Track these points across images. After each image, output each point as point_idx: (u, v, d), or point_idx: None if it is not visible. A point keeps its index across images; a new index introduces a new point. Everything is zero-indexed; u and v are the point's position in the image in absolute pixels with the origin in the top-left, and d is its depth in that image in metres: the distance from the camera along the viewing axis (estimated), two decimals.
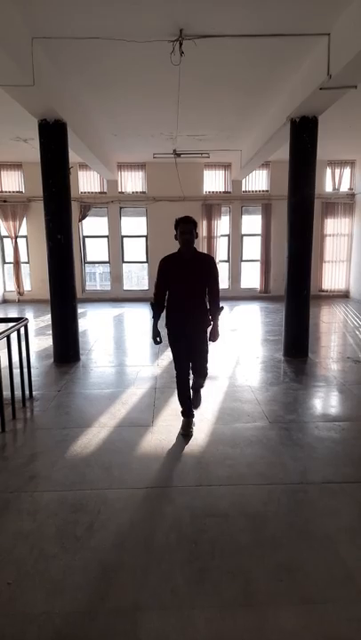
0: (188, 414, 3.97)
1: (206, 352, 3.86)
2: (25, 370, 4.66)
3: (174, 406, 4.29)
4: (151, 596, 2.14)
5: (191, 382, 3.96)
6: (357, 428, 4.01)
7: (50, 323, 6.47)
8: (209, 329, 3.79)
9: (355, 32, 4.08)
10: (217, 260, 11.68)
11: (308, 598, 2.11)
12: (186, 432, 3.87)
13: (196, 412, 4.13)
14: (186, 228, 3.58)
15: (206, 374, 4.01)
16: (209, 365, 4.00)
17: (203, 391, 4.24)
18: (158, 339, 3.75)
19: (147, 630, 1.96)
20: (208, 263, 3.70)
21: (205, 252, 11.48)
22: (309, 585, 2.19)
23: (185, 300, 3.66)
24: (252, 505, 2.84)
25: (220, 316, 3.78)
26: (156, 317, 3.76)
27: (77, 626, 1.98)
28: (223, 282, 12.01)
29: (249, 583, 2.20)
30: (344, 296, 12.37)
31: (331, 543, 2.49)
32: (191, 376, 3.97)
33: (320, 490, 3.02)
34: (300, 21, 4.42)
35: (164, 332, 3.77)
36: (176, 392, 3.97)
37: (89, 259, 12.52)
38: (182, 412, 3.99)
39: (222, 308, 3.76)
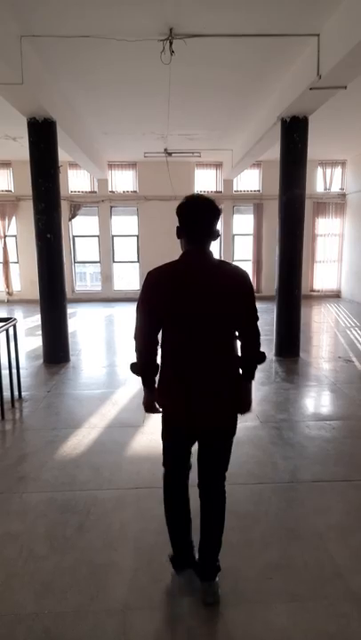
0: (180, 563, 2.21)
1: (229, 456, 2.13)
2: (14, 370, 4.61)
3: None
4: (141, 595, 2.13)
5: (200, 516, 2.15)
6: (348, 427, 4.04)
7: (39, 323, 6.43)
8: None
9: (344, 33, 4.11)
10: None
11: (297, 596, 2.12)
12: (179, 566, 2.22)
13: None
14: (198, 218, 1.92)
15: (224, 499, 2.12)
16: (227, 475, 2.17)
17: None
18: (157, 404, 2.06)
19: (136, 630, 1.95)
20: (239, 281, 1.93)
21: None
22: (299, 582, 2.20)
23: (196, 355, 1.92)
24: (242, 504, 2.85)
25: (255, 373, 2.07)
26: (148, 384, 2.06)
27: (67, 626, 1.96)
28: None
29: (239, 581, 2.20)
30: (335, 296, 12.44)
31: (320, 541, 2.50)
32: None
33: (310, 488, 3.04)
34: (290, 22, 4.43)
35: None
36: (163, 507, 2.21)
37: (79, 258, 12.45)
38: (171, 557, 2.22)
39: (263, 356, 2.04)
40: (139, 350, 2.03)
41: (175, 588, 2.18)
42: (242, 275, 1.95)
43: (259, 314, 2.00)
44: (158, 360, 2.03)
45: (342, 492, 3.00)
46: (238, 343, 2.03)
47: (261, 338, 2.03)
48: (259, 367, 2.06)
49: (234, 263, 2.03)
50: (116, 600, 2.10)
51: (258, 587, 2.17)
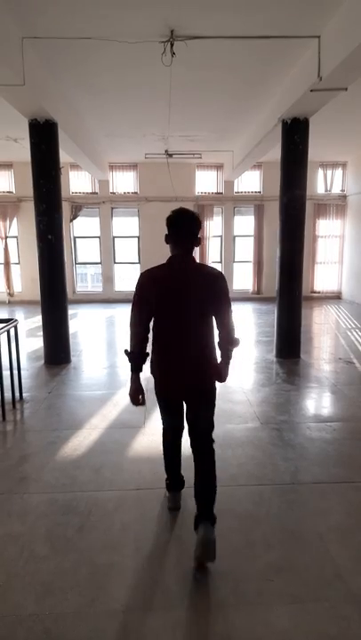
0: (173, 486, 2.85)
1: (212, 419, 2.52)
2: (15, 371, 4.62)
3: None
4: (142, 597, 2.13)
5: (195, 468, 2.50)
6: (349, 428, 4.04)
7: (40, 324, 6.43)
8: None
9: (344, 35, 4.11)
10: (209, 262, 11.68)
11: (298, 597, 2.12)
12: (173, 505, 2.83)
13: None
14: (184, 227, 2.39)
15: (212, 452, 2.49)
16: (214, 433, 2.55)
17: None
18: (141, 397, 2.47)
19: (137, 632, 1.95)
20: (214, 280, 2.36)
21: (197, 253, 11.47)
22: (300, 584, 2.20)
23: (181, 338, 2.37)
24: (242, 505, 2.85)
25: (232, 354, 2.49)
26: (136, 370, 2.45)
27: (67, 627, 1.96)
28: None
29: (239, 583, 2.20)
30: (336, 297, 12.43)
31: (321, 543, 2.50)
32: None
33: (311, 490, 3.04)
34: (291, 24, 4.44)
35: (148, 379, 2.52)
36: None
37: (80, 259, 12.47)
38: (166, 480, 2.89)
39: (238, 341, 2.45)
40: (133, 339, 2.42)
41: (176, 588, 2.18)
42: (218, 275, 2.40)
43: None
44: (148, 348, 2.45)
45: (343, 493, 2.99)
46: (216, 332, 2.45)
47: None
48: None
49: (211, 265, 2.51)
50: (117, 601, 2.10)
51: (259, 588, 2.17)
